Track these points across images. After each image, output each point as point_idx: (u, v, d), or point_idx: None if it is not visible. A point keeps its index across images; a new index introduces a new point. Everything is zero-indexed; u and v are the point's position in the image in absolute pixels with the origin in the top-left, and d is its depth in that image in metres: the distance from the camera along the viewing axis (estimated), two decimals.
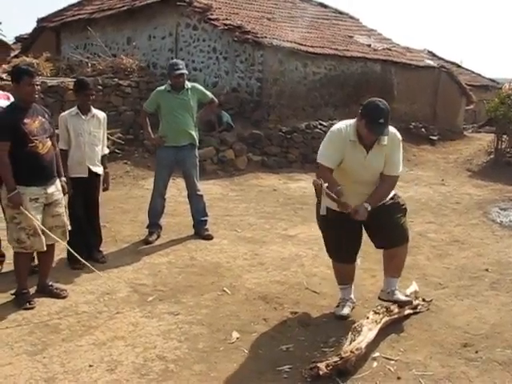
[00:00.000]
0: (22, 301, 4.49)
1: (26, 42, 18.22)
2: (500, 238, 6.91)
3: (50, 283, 4.79)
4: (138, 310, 4.52)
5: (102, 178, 5.62)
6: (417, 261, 5.86)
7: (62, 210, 4.72)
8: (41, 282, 4.77)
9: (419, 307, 4.53)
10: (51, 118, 4.73)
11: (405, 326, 4.28)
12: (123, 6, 14.61)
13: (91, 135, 5.37)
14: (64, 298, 4.68)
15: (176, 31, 13.78)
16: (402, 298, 4.34)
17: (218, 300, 4.78)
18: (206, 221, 6.63)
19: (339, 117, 12.92)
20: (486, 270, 5.66)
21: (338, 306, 4.51)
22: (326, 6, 17.79)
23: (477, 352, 3.91)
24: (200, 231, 6.55)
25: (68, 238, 4.83)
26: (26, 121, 4.37)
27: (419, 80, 16.01)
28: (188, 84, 6.36)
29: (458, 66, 24.51)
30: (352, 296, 4.59)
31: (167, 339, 4.03)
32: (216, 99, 6.72)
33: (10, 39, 18.91)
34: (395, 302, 4.30)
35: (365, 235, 4.42)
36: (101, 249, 5.76)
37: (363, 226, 4.33)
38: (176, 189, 8.21)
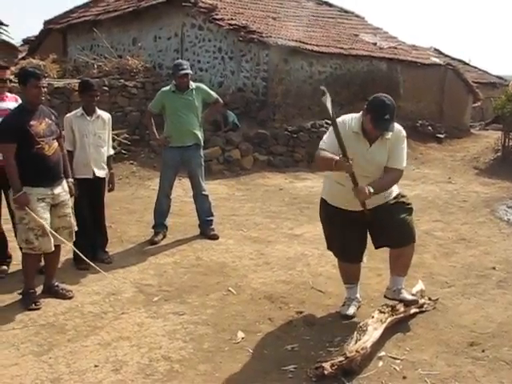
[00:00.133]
0: (28, 301, 4.51)
1: (33, 44, 18.32)
2: (507, 236, 6.87)
3: (56, 284, 4.81)
4: (144, 310, 4.52)
5: (107, 179, 5.63)
6: (423, 259, 5.83)
7: (69, 210, 4.74)
8: (47, 282, 4.79)
9: (425, 306, 4.51)
10: (58, 120, 4.76)
11: (411, 325, 4.26)
12: (129, 7, 14.68)
13: (96, 136, 5.39)
14: (70, 298, 4.70)
15: (181, 31, 13.80)
16: (408, 296, 4.32)
17: (223, 300, 4.78)
18: (211, 221, 6.63)
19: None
20: (493, 268, 5.63)
21: (343, 306, 4.49)
22: (331, 5, 17.76)
23: (483, 351, 3.89)
24: (206, 231, 6.55)
25: (74, 239, 4.85)
26: (32, 123, 4.40)
27: (425, 78, 15.95)
28: (193, 84, 6.37)
29: (465, 64, 24.39)
30: (358, 295, 4.58)
31: (172, 339, 4.04)
32: (221, 99, 6.72)
33: (17, 41, 19.03)
34: (401, 300, 4.29)
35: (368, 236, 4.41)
36: (107, 249, 5.78)
37: (368, 227, 4.31)
38: (182, 189, 8.22)
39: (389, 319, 4.04)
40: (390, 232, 4.18)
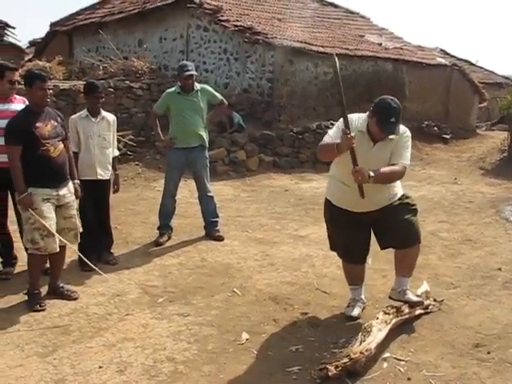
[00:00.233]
0: (33, 301, 4.52)
1: (40, 46, 18.41)
2: None
3: (61, 285, 4.82)
4: (148, 311, 4.53)
5: (112, 181, 5.65)
6: (428, 260, 5.81)
7: (74, 212, 4.76)
8: (52, 283, 4.80)
9: (430, 307, 4.49)
10: (64, 122, 4.78)
11: (416, 326, 4.24)
12: (134, 9, 14.73)
13: (101, 137, 5.40)
14: (75, 299, 4.71)
15: (187, 33, 13.83)
16: (413, 298, 4.31)
17: (228, 301, 4.78)
18: (216, 222, 6.63)
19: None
20: (499, 269, 5.60)
21: (348, 307, 4.48)
22: (336, 6, 17.76)
23: (489, 353, 3.87)
24: (211, 232, 6.55)
25: (79, 240, 4.87)
26: (38, 125, 4.42)
27: (431, 78, 15.92)
28: (197, 85, 6.37)
29: (471, 64, 24.31)
30: (362, 296, 4.56)
31: (177, 340, 4.04)
32: (226, 101, 6.73)
33: (23, 43, 19.12)
34: (406, 301, 4.27)
35: (373, 236, 4.40)
36: (112, 250, 5.79)
37: (372, 228, 4.31)
38: (187, 190, 8.22)
39: (393, 320, 4.03)
40: (394, 233, 4.17)
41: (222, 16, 13.03)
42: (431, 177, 11.33)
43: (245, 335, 4.13)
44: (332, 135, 4.05)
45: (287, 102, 12.62)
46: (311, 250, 6.17)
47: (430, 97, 15.95)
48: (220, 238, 6.47)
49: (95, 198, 5.46)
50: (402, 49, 16.00)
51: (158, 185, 8.75)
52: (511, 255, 6.07)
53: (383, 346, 3.84)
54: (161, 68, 14.18)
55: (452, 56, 22.65)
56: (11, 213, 5.17)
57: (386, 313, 4.06)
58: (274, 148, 11.60)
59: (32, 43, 20.02)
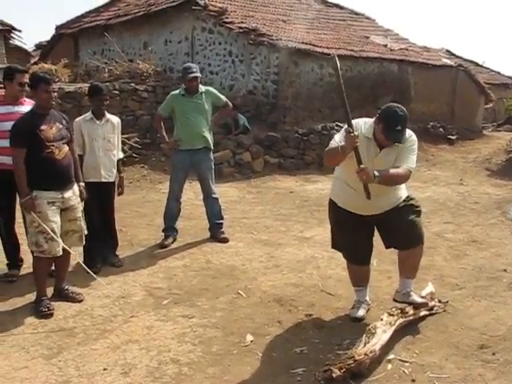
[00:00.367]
0: (41, 308, 4.49)
1: (45, 49, 18.50)
2: None
3: (66, 287, 4.83)
4: (153, 313, 4.53)
5: (116, 183, 5.66)
6: (434, 261, 5.80)
7: (79, 214, 4.76)
8: (57, 285, 4.81)
9: (435, 308, 4.47)
10: (69, 124, 4.80)
11: (420, 327, 4.23)
12: (139, 12, 14.77)
13: (105, 140, 5.42)
14: (80, 301, 4.72)
15: (192, 35, 13.86)
16: (418, 299, 4.30)
17: (232, 303, 4.78)
18: (221, 224, 6.64)
19: (356, 118, 12.87)
20: (505, 270, 5.58)
21: (352, 308, 4.47)
22: (341, 7, 17.78)
23: (494, 354, 3.85)
24: (216, 234, 6.56)
25: (84, 243, 4.88)
26: (43, 127, 4.43)
27: (437, 79, 15.90)
28: (202, 87, 6.38)
29: (477, 65, 24.28)
30: (367, 298, 4.56)
31: (181, 342, 4.04)
32: (230, 103, 6.73)
33: (30, 46, 19.25)
34: (410, 303, 4.27)
35: (378, 236, 4.39)
36: (117, 253, 5.80)
37: (376, 228, 4.31)
38: (192, 192, 8.23)
39: (398, 322, 4.02)
40: (398, 234, 4.17)
41: (227, 18, 13.05)
42: (437, 178, 11.31)
43: (249, 337, 4.13)
44: (337, 139, 4.04)
45: (292, 104, 12.63)
46: (316, 251, 6.17)
47: (435, 98, 15.93)
48: (225, 240, 6.48)
49: (100, 201, 5.47)
50: (407, 50, 16.00)
51: (164, 187, 8.77)
52: None
53: (388, 347, 3.83)
54: (166, 70, 14.21)
55: (458, 57, 22.64)
56: (18, 214, 5.19)
57: (390, 314, 4.05)
58: (279, 150, 11.61)
59: (38, 46, 20.16)
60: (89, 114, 5.45)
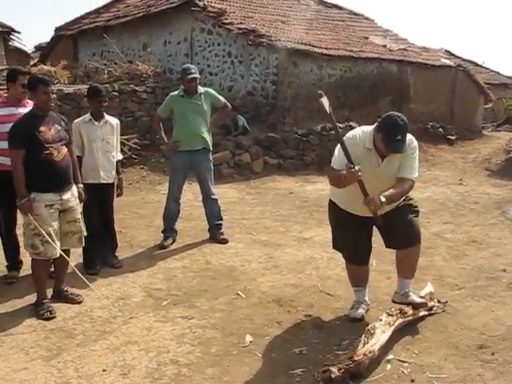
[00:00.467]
0: (42, 311, 4.48)
1: (45, 51, 18.49)
2: None
3: (66, 288, 4.83)
4: (152, 314, 4.54)
5: (115, 184, 5.66)
6: (433, 262, 5.81)
7: (78, 216, 4.75)
8: (56, 287, 4.81)
9: (434, 309, 4.48)
10: (68, 126, 4.80)
11: (419, 327, 4.23)
12: (138, 13, 14.77)
13: (104, 141, 5.42)
14: (79, 303, 4.72)
15: (191, 36, 13.86)
16: (417, 299, 4.30)
17: (232, 304, 4.78)
18: (220, 225, 6.64)
19: (355, 118, 12.93)
20: (504, 270, 5.58)
21: (352, 309, 4.48)
22: (340, 8, 17.78)
23: (493, 354, 3.85)
24: (215, 235, 6.56)
25: (84, 244, 4.88)
26: (41, 129, 4.43)
27: (436, 79, 15.90)
28: (201, 89, 6.39)
29: (476, 65, 24.29)
30: (366, 298, 4.56)
31: (180, 343, 4.04)
32: (229, 104, 6.74)
33: (29, 48, 19.24)
34: (410, 303, 4.26)
35: (378, 236, 4.39)
36: (116, 254, 5.81)
37: (375, 227, 4.31)
38: (192, 193, 8.23)
39: (397, 322, 4.02)
40: (395, 233, 4.19)
41: (226, 19, 13.05)
42: (436, 178, 11.32)
43: (248, 338, 4.13)
44: (339, 160, 4.01)
45: (292, 105, 12.63)
46: (315, 252, 6.17)
47: (435, 98, 15.93)
48: (224, 241, 6.48)
49: (99, 202, 5.48)
50: (406, 50, 16.00)
51: (163, 188, 8.77)
52: None
53: (387, 347, 3.83)
54: (165, 71, 14.20)
55: (457, 57, 22.64)
56: (19, 215, 5.18)
57: (389, 314, 4.05)
58: (278, 150, 11.62)
59: (37, 48, 20.14)
60: (88, 116, 5.46)
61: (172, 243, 6.39)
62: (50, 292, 4.77)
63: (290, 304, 4.74)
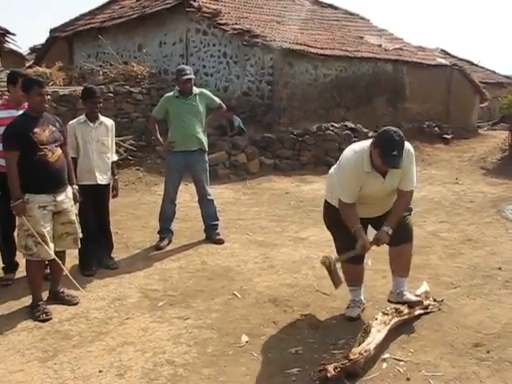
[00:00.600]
0: (38, 312, 4.47)
1: (40, 52, 18.46)
2: None
3: (62, 290, 4.83)
4: (148, 315, 4.54)
5: (111, 185, 5.66)
6: (429, 260, 5.82)
7: (73, 217, 4.74)
8: (52, 288, 4.81)
9: (430, 307, 4.48)
10: (63, 127, 4.79)
11: (415, 326, 4.24)
12: (133, 14, 14.77)
13: (99, 143, 5.42)
14: (75, 304, 4.72)
15: (186, 37, 13.86)
16: (412, 297, 4.31)
17: (228, 304, 4.78)
18: (216, 225, 6.64)
19: (351, 118, 12.96)
20: (499, 268, 5.59)
21: (347, 308, 4.49)
22: (336, 8, 17.80)
23: (488, 352, 3.86)
24: (211, 236, 6.56)
25: (79, 245, 4.88)
26: (35, 130, 4.43)
27: (431, 79, 15.93)
28: (196, 89, 6.39)
29: (472, 64, 24.33)
30: (362, 297, 4.57)
31: (177, 344, 4.05)
32: (224, 105, 6.75)
33: (24, 50, 19.19)
34: (405, 302, 4.27)
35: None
36: (112, 255, 5.80)
37: (371, 226, 4.33)
38: (188, 194, 8.23)
39: (393, 321, 4.03)
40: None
41: (221, 19, 13.06)
42: (432, 177, 11.33)
43: (244, 338, 4.13)
44: (350, 195, 4.10)
45: (287, 105, 12.64)
46: (311, 251, 6.18)
47: (430, 97, 15.96)
48: (220, 241, 6.48)
49: (95, 203, 5.48)
50: (401, 49, 16.02)
51: (159, 189, 8.75)
52: (511, 254, 6.06)
53: (382, 346, 3.84)
54: (161, 72, 14.20)
55: (453, 56, 22.68)
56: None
57: (384, 313, 4.06)
58: (274, 151, 11.62)
59: (32, 49, 20.11)
60: (82, 117, 5.46)
61: (168, 244, 6.39)
62: (46, 294, 4.77)
63: (286, 304, 4.75)
